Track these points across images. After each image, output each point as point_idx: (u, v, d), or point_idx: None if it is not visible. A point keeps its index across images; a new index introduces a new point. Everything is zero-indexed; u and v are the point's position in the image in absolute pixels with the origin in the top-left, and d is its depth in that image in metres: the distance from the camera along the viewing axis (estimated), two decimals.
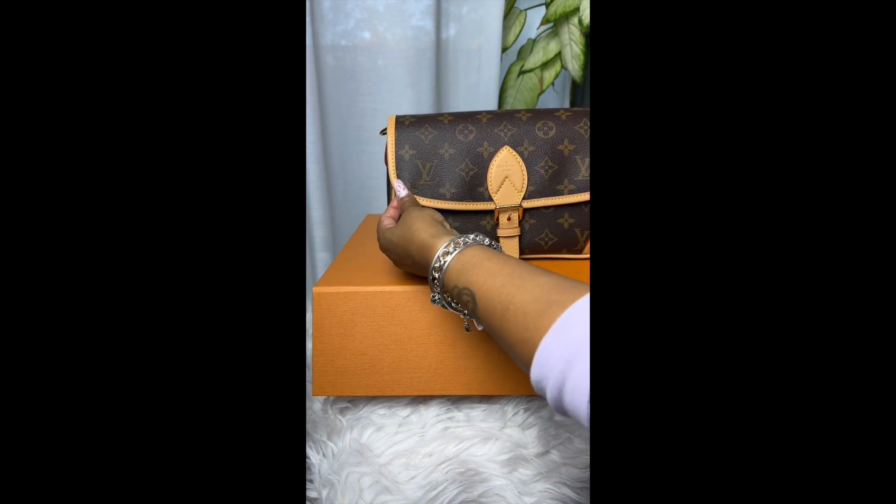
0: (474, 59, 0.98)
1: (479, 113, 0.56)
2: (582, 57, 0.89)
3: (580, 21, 0.86)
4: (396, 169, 0.54)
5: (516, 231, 0.55)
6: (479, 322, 0.39)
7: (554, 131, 0.55)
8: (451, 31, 0.97)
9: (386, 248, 0.50)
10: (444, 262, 0.41)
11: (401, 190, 0.54)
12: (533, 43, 0.98)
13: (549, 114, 0.56)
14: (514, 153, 0.54)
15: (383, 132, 0.56)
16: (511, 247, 0.56)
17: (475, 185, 0.54)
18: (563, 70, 0.95)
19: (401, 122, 0.55)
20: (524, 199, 0.55)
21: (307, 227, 0.98)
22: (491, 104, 0.99)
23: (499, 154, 0.54)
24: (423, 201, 0.54)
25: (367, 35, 0.93)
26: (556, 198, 0.55)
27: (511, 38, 0.98)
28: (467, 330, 0.46)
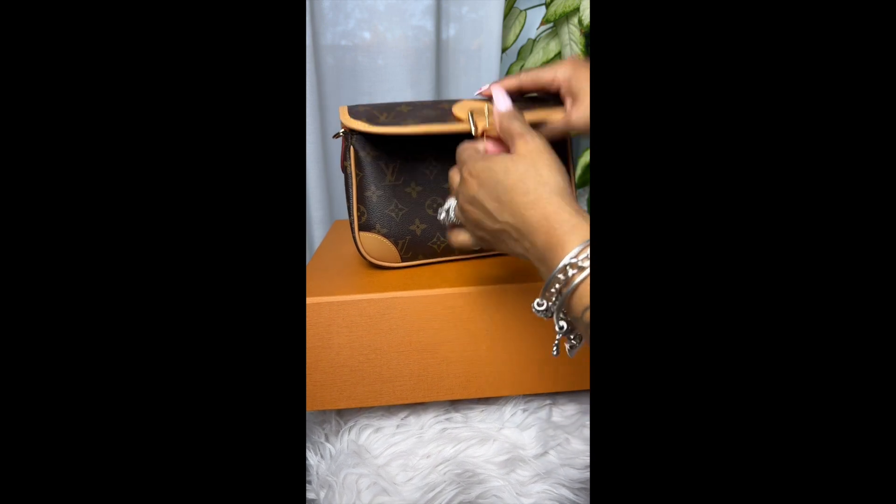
0: (474, 59, 0.98)
1: (441, 102, 0.55)
2: (582, 57, 0.89)
3: (580, 21, 0.86)
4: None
5: None
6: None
7: None
8: (451, 31, 0.97)
9: (477, 190, 0.36)
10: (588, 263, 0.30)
11: (502, 100, 0.40)
12: (533, 43, 0.98)
13: None
14: None
15: (337, 136, 0.53)
16: None
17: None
18: None
19: (354, 110, 0.51)
20: None
21: (307, 227, 0.98)
22: None
23: None
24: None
25: (367, 35, 0.93)
26: None
27: (511, 38, 0.97)
28: (556, 354, 0.36)
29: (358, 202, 0.53)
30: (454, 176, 0.41)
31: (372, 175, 0.52)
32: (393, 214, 0.53)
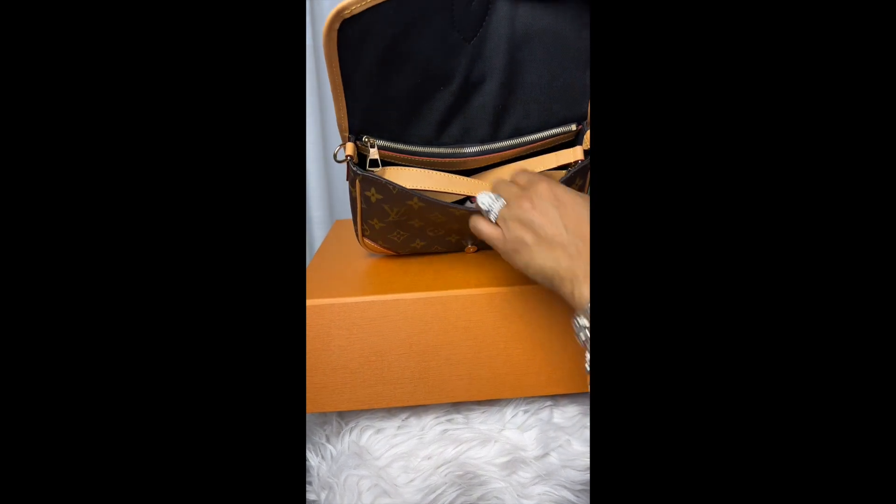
0: None
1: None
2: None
3: None
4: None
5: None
6: None
7: None
8: None
9: (544, 200, 0.40)
10: None
11: None
12: None
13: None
14: None
15: (339, 161, 0.50)
16: None
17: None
18: None
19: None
20: None
21: (307, 227, 0.98)
22: None
23: None
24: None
25: None
26: None
27: None
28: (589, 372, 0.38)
29: (362, 222, 0.55)
30: (507, 187, 0.44)
31: (376, 212, 0.53)
32: (395, 238, 0.56)
